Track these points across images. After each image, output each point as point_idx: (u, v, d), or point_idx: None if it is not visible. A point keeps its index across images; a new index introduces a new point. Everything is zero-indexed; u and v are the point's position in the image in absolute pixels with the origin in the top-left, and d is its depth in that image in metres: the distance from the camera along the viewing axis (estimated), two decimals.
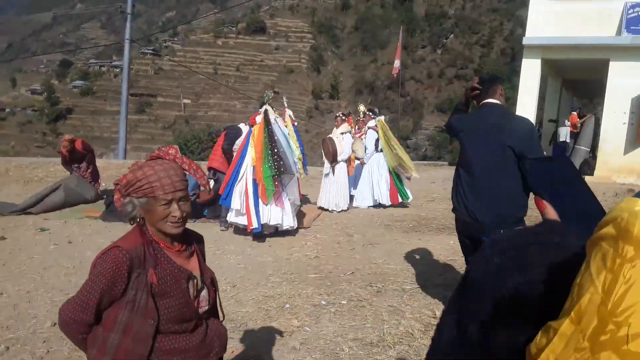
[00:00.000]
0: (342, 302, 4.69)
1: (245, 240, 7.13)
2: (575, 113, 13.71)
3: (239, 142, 7.77)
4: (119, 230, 7.75)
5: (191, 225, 8.04)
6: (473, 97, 3.94)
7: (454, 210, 4.03)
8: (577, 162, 13.25)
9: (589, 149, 13.20)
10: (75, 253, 6.40)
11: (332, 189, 8.95)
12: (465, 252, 4.14)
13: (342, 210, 9.02)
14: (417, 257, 6.16)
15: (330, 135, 9.15)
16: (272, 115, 7.32)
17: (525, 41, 13.04)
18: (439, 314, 4.27)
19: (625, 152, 12.39)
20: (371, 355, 3.60)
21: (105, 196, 8.82)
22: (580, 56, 12.87)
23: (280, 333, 4.03)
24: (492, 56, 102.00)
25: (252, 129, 7.29)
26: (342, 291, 4.97)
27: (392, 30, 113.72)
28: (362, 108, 9.74)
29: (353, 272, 5.60)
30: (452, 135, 4.29)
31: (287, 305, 4.62)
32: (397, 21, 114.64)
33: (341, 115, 9.31)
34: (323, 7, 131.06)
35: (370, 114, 9.69)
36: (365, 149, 9.47)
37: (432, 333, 3.25)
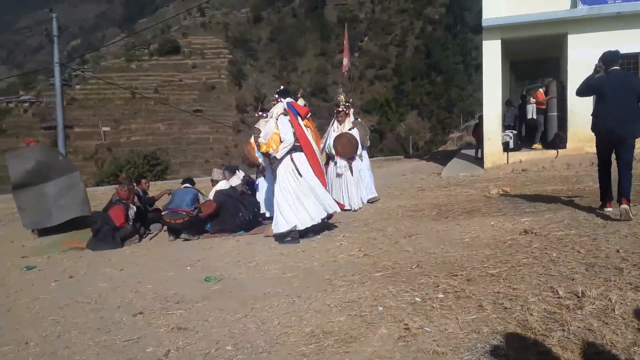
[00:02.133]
0: (439, 295, 4.16)
1: (270, 249, 6.45)
2: (541, 90, 13.93)
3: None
4: (118, 257, 6.84)
5: (195, 243, 7.31)
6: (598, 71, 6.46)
7: (597, 129, 6.43)
8: (552, 129, 13.42)
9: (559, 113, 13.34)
10: (85, 287, 5.50)
11: (351, 187, 8.40)
12: (603, 155, 6.55)
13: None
14: (470, 240, 5.74)
15: (343, 132, 8.54)
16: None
17: (484, 23, 13.08)
18: (560, 289, 3.85)
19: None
20: (536, 346, 3.09)
21: (93, 222, 7.82)
22: (538, 33, 13.06)
23: (404, 339, 3.44)
24: (407, 54, 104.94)
25: (303, 121, 6.83)
26: (427, 285, 4.44)
27: (307, 38, 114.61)
28: (342, 98, 8.95)
29: (418, 265, 5.08)
30: (591, 93, 6.72)
31: (381, 308, 4.03)
32: (311, 29, 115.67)
33: (344, 107, 8.64)
34: (235, 22, 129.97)
35: (349, 104, 9.14)
36: None
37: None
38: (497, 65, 13.14)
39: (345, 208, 8.25)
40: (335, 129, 8.59)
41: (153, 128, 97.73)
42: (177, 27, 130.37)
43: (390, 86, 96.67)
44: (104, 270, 6.21)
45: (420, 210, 7.91)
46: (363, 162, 8.93)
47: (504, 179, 11.08)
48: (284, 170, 6.75)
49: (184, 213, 7.40)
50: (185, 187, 7.94)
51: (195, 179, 9.77)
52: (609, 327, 3.20)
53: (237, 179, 8.25)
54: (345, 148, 8.46)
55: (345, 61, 19.50)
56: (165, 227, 8.13)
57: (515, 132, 13.60)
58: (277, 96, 7.44)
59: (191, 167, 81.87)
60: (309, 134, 7.08)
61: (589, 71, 12.29)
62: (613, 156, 6.32)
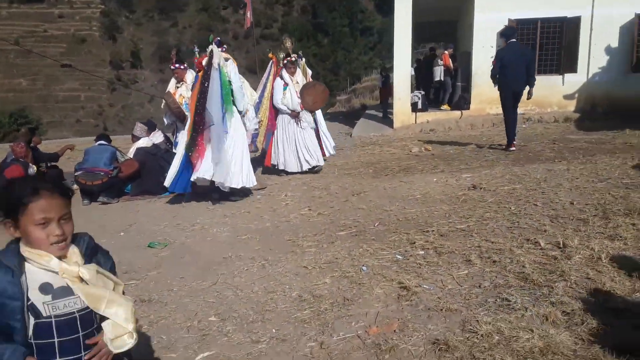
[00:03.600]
0: (419, 252, 4.05)
1: (209, 210, 5.98)
2: (447, 52, 14.31)
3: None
4: None
5: (116, 206, 6.59)
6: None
7: (501, 86, 8.43)
8: (457, 97, 13.93)
9: (464, 84, 13.92)
10: None
11: (310, 148, 7.54)
12: (508, 105, 8.57)
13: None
14: (421, 197, 5.72)
15: (310, 80, 7.90)
16: (217, 58, 6.13)
17: None
18: (541, 240, 3.90)
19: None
20: (544, 298, 3.08)
21: None
22: None
23: (406, 298, 3.28)
24: (294, 14, 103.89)
25: (199, 75, 6.08)
26: (401, 242, 4.32)
27: None
28: (289, 44, 7.74)
29: (381, 222, 4.95)
30: (499, 64, 8.29)
31: (364, 268, 3.84)
32: None
33: (295, 58, 7.70)
34: None
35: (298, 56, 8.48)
36: None
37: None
38: (408, 25, 13.25)
39: (312, 166, 7.61)
40: (288, 82, 7.49)
41: (14, 84, 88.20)
42: None
43: (277, 45, 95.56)
44: None
45: (354, 168, 7.80)
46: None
47: (418, 138, 11.33)
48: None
49: (102, 173, 6.60)
50: (100, 144, 7.07)
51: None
52: (605, 276, 3.27)
53: (159, 136, 7.52)
54: (318, 98, 7.51)
55: (248, 14, 18.69)
56: (76, 189, 7.25)
57: (423, 92, 13.94)
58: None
59: (61, 127, 75.60)
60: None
61: (493, 34, 12.88)
62: None
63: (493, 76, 8.46)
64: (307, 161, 7.47)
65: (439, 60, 14.02)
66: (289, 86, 7.37)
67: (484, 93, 13.31)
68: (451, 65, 13.98)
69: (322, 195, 6.24)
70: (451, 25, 18.62)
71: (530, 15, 12.89)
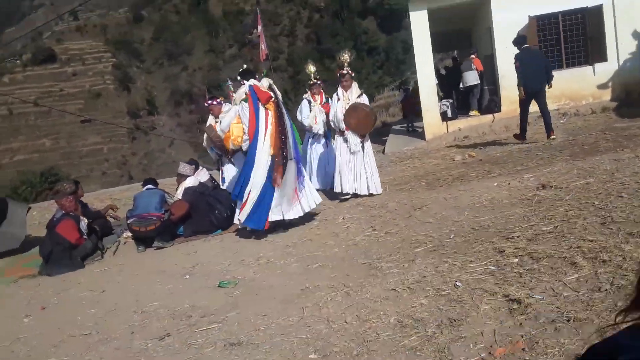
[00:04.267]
0: (513, 260, 3.78)
1: (270, 243, 5.79)
2: (474, 56, 14.08)
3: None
4: (87, 278, 5.84)
5: (171, 250, 6.43)
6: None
7: (525, 86, 9.05)
8: (485, 97, 13.68)
9: (492, 87, 13.69)
10: (70, 317, 4.56)
11: (362, 170, 7.00)
12: (527, 103, 9.29)
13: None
14: (488, 203, 5.45)
15: (356, 102, 7.04)
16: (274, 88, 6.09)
17: None
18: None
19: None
20: None
21: (42, 245, 6.63)
22: (461, 0, 13.22)
23: (519, 312, 3.01)
24: (298, 44, 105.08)
25: (265, 106, 5.97)
26: (487, 252, 4.06)
27: (193, 35, 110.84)
28: (346, 57, 7.18)
29: (456, 234, 4.69)
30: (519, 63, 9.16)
31: (459, 284, 3.59)
32: (196, 25, 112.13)
33: (348, 70, 7.09)
34: (114, 23, 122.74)
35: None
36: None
37: None
38: (426, 36, 13.09)
39: (363, 193, 7.06)
40: (340, 97, 7.08)
41: (37, 145, 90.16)
42: (49, 33, 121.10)
43: (287, 77, 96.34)
44: (81, 294, 5.22)
45: (404, 183, 7.57)
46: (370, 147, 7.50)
47: (454, 146, 11.07)
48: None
49: (155, 218, 6.47)
50: (148, 188, 6.97)
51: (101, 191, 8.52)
52: None
53: (204, 174, 7.40)
54: (361, 122, 6.90)
55: (263, 46, 18.79)
56: (124, 238, 7.14)
57: (451, 101, 13.71)
58: (239, 78, 6.71)
59: (88, 181, 76.68)
60: (263, 121, 6.29)
61: (514, 35, 12.66)
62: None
63: (518, 77, 9.21)
64: (359, 185, 7.04)
65: (472, 65, 13.77)
66: (339, 102, 7.02)
67: (513, 95, 12.99)
68: (481, 69, 13.75)
69: (382, 213, 6.01)
70: (464, 34, 18.49)
71: (550, 9, 12.63)
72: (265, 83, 7.08)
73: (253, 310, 3.95)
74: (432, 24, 13.40)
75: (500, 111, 13.16)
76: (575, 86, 12.74)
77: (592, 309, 2.86)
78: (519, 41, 9.62)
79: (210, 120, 7.59)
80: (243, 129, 6.14)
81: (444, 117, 13.39)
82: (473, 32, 17.87)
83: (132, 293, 4.97)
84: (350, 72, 7.15)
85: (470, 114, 13.90)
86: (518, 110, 12.89)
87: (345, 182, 6.96)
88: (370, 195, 7.04)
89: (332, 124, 7.20)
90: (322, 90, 8.57)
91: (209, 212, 6.79)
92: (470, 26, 17.45)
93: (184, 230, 6.78)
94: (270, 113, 6.11)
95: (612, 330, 1.01)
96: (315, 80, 8.25)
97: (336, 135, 7.16)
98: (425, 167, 8.97)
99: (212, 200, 6.82)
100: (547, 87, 9.02)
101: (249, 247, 5.81)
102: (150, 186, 7.01)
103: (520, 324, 2.89)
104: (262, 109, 6.21)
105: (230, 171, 7.62)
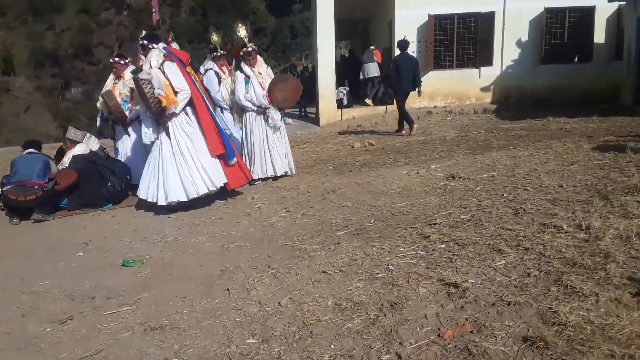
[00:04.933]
0: (440, 246, 3.84)
1: (174, 221, 5.39)
2: (373, 47, 14.31)
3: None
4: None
5: (54, 223, 5.74)
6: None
7: (396, 86, 10.49)
8: (380, 92, 14.03)
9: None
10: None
11: (281, 149, 6.78)
12: (404, 101, 10.59)
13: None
14: (402, 190, 5.55)
15: (277, 75, 6.79)
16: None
17: None
18: (562, 224, 3.83)
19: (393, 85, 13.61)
20: (604, 281, 2.98)
21: None
22: None
23: (458, 295, 3.04)
24: (183, 15, 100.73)
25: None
26: (413, 237, 4.09)
27: None
28: (243, 33, 6.58)
29: (377, 219, 4.69)
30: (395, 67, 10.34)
31: (391, 267, 3.57)
32: None
33: (253, 47, 6.58)
34: None
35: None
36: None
37: None
38: (330, 22, 13.11)
39: (280, 174, 6.77)
40: (249, 74, 6.58)
41: None
42: None
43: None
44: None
45: (310, 166, 7.48)
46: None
47: (347, 134, 11.23)
48: (177, 128, 5.65)
49: (37, 187, 5.70)
50: (28, 152, 6.13)
51: None
52: None
53: (94, 142, 6.67)
54: (289, 94, 6.61)
55: (154, 11, 17.62)
56: None
57: (347, 89, 13.89)
58: (145, 42, 6.15)
59: None
60: (196, 83, 5.99)
61: (413, 30, 13.08)
62: None
63: (393, 78, 10.52)
64: (273, 167, 6.70)
65: (373, 57, 14.01)
66: (251, 79, 6.55)
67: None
68: (380, 60, 14.06)
69: (294, 195, 5.87)
70: (359, 24, 18.85)
71: (447, 10, 13.28)
72: (175, 47, 6.61)
73: (169, 291, 3.62)
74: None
75: (392, 104, 13.57)
76: (462, 86, 13.54)
77: (527, 294, 2.96)
78: (403, 45, 10.55)
79: (109, 82, 6.90)
80: (172, 90, 5.57)
81: (340, 104, 13.54)
82: (370, 23, 18.25)
83: (14, 270, 4.34)
84: (254, 47, 6.69)
85: (365, 101, 14.19)
86: (410, 104, 13.50)
87: (262, 166, 6.66)
88: (283, 175, 6.85)
89: (241, 103, 6.65)
90: (226, 62, 8.14)
91: (100, 184, 6.18)
92: (368, 17, 17.80)
93: (68, 202, 6.09)
94: (192, 76, 5.75)
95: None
96: (253, 47, 7.77)
97: (249, 116, 6.72)
98: (326, 152, 8.96)
99: (105, 171, 6.20)
100: (417, 92, 10.43)
101: (149, 224, 5.36)
102: (32, 150, 6.19)
103: (462, 307, 2.92)
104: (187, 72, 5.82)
105: (125, 143, 7.01)
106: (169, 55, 5.74)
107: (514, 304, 2.85)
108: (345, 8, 15.08)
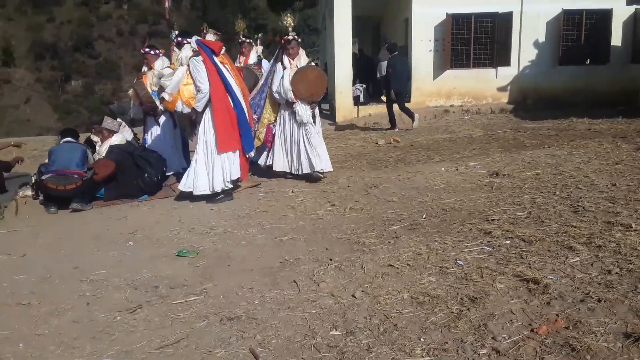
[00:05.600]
0: (505, 242, 3.80)
1: (218, 213, 5.33)
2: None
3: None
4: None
5: (92, 213, 5.67)
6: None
7: (391, 86, 10.95)
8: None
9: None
10: None
11: (317, 142, 6.38)
12: (393, 99, 11.08)
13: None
14: (446, 187, 5.50)
15: (301, 66, 6.28)
16: None
17: None
18: (624, 219, 3.79)
19: (435, 77, 13.56)
20: None
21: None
22: None
23: (538, 292, 3.00)
24: (184, 10, 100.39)
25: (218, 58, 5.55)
26: (473, 233, 4.05)
27: None
28: (289, 21, 6.41)
29: (428, 214, 4.65)
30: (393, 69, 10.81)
31: (460, 262, 3.52)
32: None
33: (294, 37, 6.31)
34: None
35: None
36: None
37: None
38: (347, 19, 13.05)
39: (314, 170, 6.30)
40: (287, 66, 6.29)
41: None
42: None
43: (168, 44, 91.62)
44: None
45: (343, 161, 7.43)
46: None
47: (365, 130, 11.18)
48: (206, 123, 5.63)
49: (76, 176, 5.63)
50: (66, 141, 6.05)
51: None
52: None
53: (129, 132, 6.61)
54: (312, 86, 6.20)
55: (167, 4, 17.49)
56: (21, 197, 6.20)
57: (364, 85, 13.83)
58: (180, 39, 6.08)
59: None
60: (227, 74, 5.87)
61: (430, 29, 13.03)
62: None
63: (390, 79, 10.98)
64: (301, 163, 6.37)
65: (388, 55, 13.94)
66: (285, 71, 6.28)
67: (424, 86, 13.53)
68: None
69: (334, 189, 5.82)
70: (372, 21, 18.79)
71: (465, 10, 13.23)
72: (210, 37, 6.56)
73: (233, 282, 3.56)
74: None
75: (409, 101, 13.53)
76: (479, 86, 13.51)
77: (614, 290, 2.92)
78: (393, 48, 11.13)
79: (143, 71, 6.86)
80: (193, 90, 5.55)
81: (356, 101, 13.48)
82: (383, 22, 18.19)
83: (65, 259, 4.27)
84: (296, 37, 6.44)
85: (382, 98, 14.13)
86: (426, 102, 13.49)
87: (284, 160, 6.55)
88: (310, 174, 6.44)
89: (276, 95, 6.49)
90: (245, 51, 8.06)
91: (137, 175, 6.11)
92: (380, 15, 17.74)
93: (105, 192, 6.02)
94: (228, 66, 5.69)
95: None
96: (244, 39, 7.68)
97: (281, 107, 6.61)
98: (352, 147, 8.91)
99: (142, 162, 6.14)
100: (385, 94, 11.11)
101: (193, 216, 5.30)
102: (69, 139, 6.11)
103: (548, 303, 2.87)
104: (219, 63, 5.73)
105: (155, 133, 6.96)
106: (198, 49, 5.66)
107: (604, 301, 2.80)
108: (357, 5, 15.06)
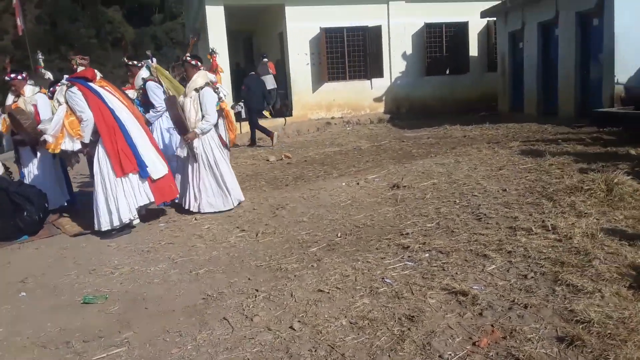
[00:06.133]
0: (424, 255, 3.93)
1: (117, 250, 4.93)
2: (266, 60, 14.19)
3: None
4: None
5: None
6: None
7: (248, 104, 11.61)
8: (278, 104, 14.01)
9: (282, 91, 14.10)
10: None
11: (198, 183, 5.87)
12: (256, 117, 11.80)
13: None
14: (352, 202, 5.60)
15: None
16: None
17: None
18: (532, 226, 4.12)
19: (314, 90, 13.82)
20: (597, 277, 3.25)
21: None
22: (258, 2, 13.37)
23: (467, 303, 3.14)
24: (28, 25, 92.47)
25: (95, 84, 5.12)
26: (392, 249, 4.14)
27: None
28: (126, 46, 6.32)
29: (343, 233, 4.69)
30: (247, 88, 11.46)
31: (388, 280, 3.59)
32: None
33: (189, 58, 5.92)
34: None
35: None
36: None
37: None
38: (222, 33, 12.90)
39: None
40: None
41: None
42: None
43: (16, 59, 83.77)
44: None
45: (241, 182, 7.22)
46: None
47: (252, 148, 11.11)
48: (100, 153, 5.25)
49: None
50: None
51: None
52: (624, 249, 3.59)
53: None
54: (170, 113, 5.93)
55: (19, 21, 15.88)
56: None
57: (244, 100, 13.68)
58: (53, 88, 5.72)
59: None
60: (110, 96, 5.49)
61: (306, 42, 13.29)
62: None
63: (244, 98, 11.68)
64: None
65: (268, 69, 13.92)
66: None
67: (305, 100, 13.74)
68: (275, 72, 14.03)
69: (241, 213, 5.66)
70: (244, 35, 18.73)
71: (337, 24, 13.68)
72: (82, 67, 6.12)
73: (156, 327, 3.30)
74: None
75: (291, 115, 13.68)
76: (357, 97, 14.02)
77: (535, 295, 3.13)
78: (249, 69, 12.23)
79: (9, 100, 6.16)
80: (76, 121, 5.14)
81: (238, 117, 13.29)
82: (255, 36, 18.20)
83: None
84: (187, 58, 6.02)
85: (263, 113, 14.09)
86: (308, 115, 13.70)
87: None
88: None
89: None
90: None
91: (14, 213, 5.46)
92: (253, 30, 17.73)
93: None
94: (109, 88, 5.41)
95: None
96: (128, 61, 7.23)
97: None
98: (244, 166, 8.77)
99: (20, 199, 5.49)
100: (268, 110, 12.09)
101: (89, 254, 4.85)
102: None
103: (480, 314, 3.01)
104: (97, 88, 5.37)
105: (33, 165, 6.30)
106: (69, 82, 5.29)
107: (530, 307, 3.00)
108: (229, 19, 14.96)
